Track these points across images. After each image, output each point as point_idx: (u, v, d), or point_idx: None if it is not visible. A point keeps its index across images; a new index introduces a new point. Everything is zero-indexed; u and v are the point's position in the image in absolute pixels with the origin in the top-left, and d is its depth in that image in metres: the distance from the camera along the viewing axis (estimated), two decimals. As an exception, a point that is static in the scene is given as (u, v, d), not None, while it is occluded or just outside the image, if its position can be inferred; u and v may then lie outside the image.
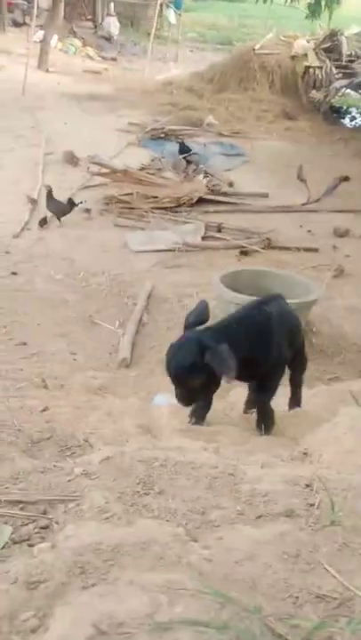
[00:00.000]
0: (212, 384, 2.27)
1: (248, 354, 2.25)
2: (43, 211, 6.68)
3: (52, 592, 0.81)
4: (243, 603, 0.71)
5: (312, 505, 1.04)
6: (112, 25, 19.13)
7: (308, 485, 1.10)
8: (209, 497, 1.06)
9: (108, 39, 18.93)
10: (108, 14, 19.49)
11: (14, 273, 5.52)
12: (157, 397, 3.05)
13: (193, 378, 2.20)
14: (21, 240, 6.25)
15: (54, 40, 16.00)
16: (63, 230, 6.59)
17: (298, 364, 2.84)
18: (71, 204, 6.64)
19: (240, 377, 2.19)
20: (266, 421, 2.44)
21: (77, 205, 6.71)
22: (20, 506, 1.11)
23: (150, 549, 0.84)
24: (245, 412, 2.71)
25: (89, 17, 20.60)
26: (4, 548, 1.00)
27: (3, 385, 3.23)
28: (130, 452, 1.26)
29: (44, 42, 14.82)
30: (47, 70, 14.54)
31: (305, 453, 1.50)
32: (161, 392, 3.06)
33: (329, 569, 0.83)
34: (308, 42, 13.68)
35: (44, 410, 2.22)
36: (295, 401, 2.90)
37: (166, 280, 5.74)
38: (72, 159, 8.52)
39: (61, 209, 6.59)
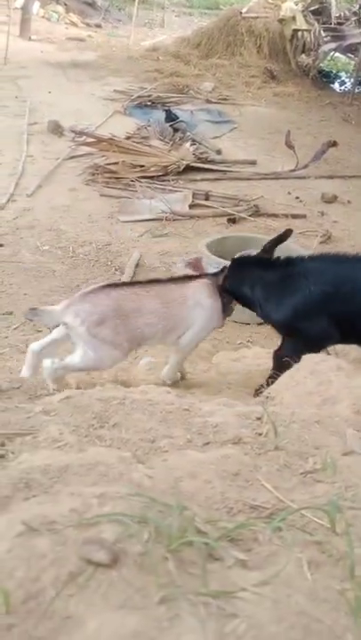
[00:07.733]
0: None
1: None
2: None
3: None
4: (170, 505, 0.76)
5: (260, 434, 1.08)
6: (96, -10, 18.63)
7: (258, 418, 1.15)
8: (161, 428, 1.11)
9: (92, 5, 18.44)
10: (92, -21, 18.93)
11: (0, 245, 5.51)
12: (144, 360, 3.12)
13: None
14: (7, 212, 6.21)
15: (36, 7, 15.58)
16: (49, 202, 6.54)
17: None
18: None
19: None
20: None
21: None
22: None
23: (96, 469, 0.88)
24: None
25: (72, -18, 20.00)
26: None
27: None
28: (91, 392, 1.30)
29: (26, 9, 14.43)
30: (29, 38, 14.20)
31: (267, 397, 1.55)
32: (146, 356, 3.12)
33: (266, 485, 0.88)
34: (296, 4, 13.35)
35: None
36: None
37: (154, 249, 5.74)
38: (57, 129, 8.41)
39: None
